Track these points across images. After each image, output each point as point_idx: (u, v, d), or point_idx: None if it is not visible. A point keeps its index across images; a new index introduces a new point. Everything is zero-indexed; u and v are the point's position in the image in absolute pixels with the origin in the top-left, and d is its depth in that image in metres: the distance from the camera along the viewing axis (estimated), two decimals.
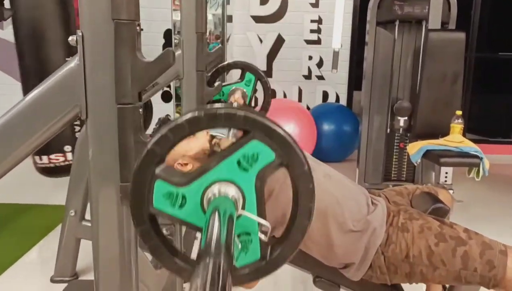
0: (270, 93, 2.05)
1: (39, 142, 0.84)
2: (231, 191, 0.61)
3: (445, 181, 2.48)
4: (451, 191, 2.43)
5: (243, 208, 0.62)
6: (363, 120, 3.35)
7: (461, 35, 2.45)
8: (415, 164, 2.48)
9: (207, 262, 0.47)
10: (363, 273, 1.20)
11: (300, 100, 4.70)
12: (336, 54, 2.42)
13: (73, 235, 1.98)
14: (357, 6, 4.45)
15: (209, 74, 2.00)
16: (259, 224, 0.61)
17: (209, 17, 4.46)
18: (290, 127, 3.84)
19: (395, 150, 3.41)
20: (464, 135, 4.77)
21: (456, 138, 2.37)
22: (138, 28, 0.79)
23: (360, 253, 1.20)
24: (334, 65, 2.42)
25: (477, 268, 1.13)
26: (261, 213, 0.62)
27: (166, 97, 4.65)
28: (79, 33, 0.77)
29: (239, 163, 0.61)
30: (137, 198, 0.63)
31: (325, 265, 1.24)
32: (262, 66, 4.63)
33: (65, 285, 1.97)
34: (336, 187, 1.25)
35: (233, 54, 4.58)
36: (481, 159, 2.29)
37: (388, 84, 3.24)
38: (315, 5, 4.47)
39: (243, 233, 0.63)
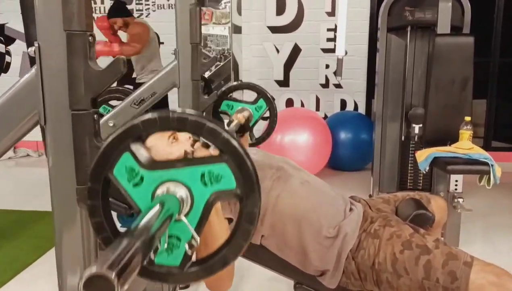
0: (274, 127, 2.03)
1: (3, 149, 0.89)
2: (184, 194, 0.64)
3: (455, 189, 2.40)
4: (460, 200, 2.36)
5: (187, 215, 0.65)
6: (376, 128, 3.30)
7: (469, 40, 2.38)
8: (424, 172, 2.42)
9: (125, 240, 0.49)
10: (338, 280, 1.19)
11: (317, 109, 4.69)
12: (340, 62, 2.41)
13: None
14: (373, 13, 4.41)
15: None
16: (192, 236, 0.64)
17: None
18: (304, 136, 3.83)
19: (410, 158, 3.34)
20: (490, 143, 4.63)
21: (465, 145, 2.30)
22: (91, 38, 0.82)
23: (334, 259, 1.19)
24: (338, 73, 2.41)
25: (439, 279, 1.09)
26: (199, 229, 0.65)
27: None
28: (36, 44, 0.82)
29: (202, 175, 0.64)
30: (103, 157, 0.65)
31: (304, 272, 1.24)
32: (279, 75, 4.66)
33: None
34: (313, 193, 1.25)
35: (251, 64, 4.63)
36: (491, 166, 2.21)
37: (401, 91, 3.18)
38: (331, 14, 4.47)
39: (175, 236, 0.66)
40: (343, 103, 4.68)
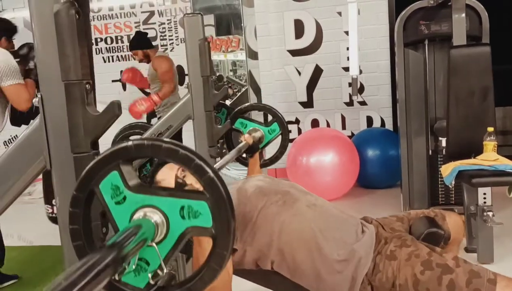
0: (284, 151, 2.09)
1: (17, 192, 0.95)
2: (160, 222, 0.67)
3: (484, 202, 2.32)
4: (490, 213, 2.27)
5: (159, 243, 0.68)
6: (401, 143, 3.25)
7: (485, 49, 2.34)
8: (450, 186, 2.36)
9: (96, 254, 0.53)
10: None
11: (344, 127, 4.66)
12: (354, 81, 2.41)
13: None
14: (393, 29, 4.38)
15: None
16: (160, 265, 0.67)
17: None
18: (330, 157, 3.81)
19: (439, 172, 3.25)
20: None
21: (490, 157, 2.23)
22: (88, 85, 0.89)
23: (348, 282, 1.18)
24: (354, 92, 2.41)
25: None
26: (167, 259, 0.68)
27: None
28: (39, 95, 0.89)
29: (182, 208, 0.67)
30: (93, 171, 0.69)
31: None
32: (302, 97, 4.69)
33: None
34: (321, 216, 1.26)
35: (273, 88, 4.69)
36: None
37: (424, 105, 3.13)
38: None
39: (144, 259, 0.68)
40: (369, 120, 4.63)
